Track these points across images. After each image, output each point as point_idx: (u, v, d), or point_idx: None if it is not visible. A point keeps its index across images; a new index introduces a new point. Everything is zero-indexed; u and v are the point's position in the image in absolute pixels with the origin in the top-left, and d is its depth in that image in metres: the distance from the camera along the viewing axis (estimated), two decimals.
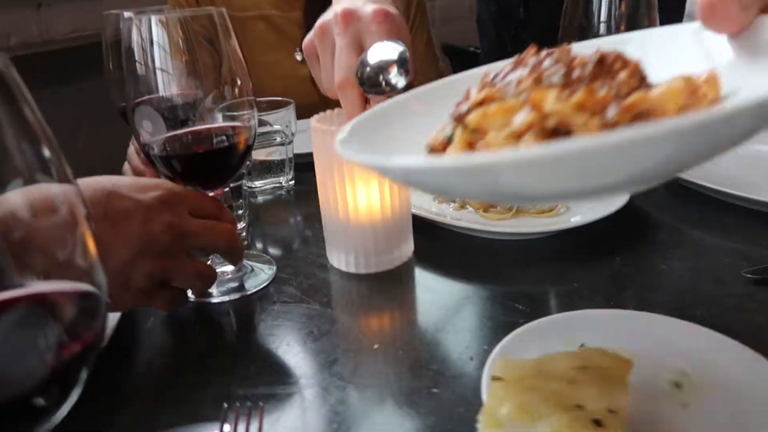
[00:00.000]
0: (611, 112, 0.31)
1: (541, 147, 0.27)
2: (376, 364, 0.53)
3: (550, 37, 1.59)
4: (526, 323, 0.52)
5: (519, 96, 0.35)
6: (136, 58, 0.60)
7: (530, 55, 0.38)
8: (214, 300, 0.66)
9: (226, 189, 0.78)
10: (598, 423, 0.37)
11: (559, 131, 0.31)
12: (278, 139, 0.99)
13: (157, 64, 0.60)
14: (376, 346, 0.55)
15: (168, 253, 0.55)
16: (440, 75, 1.56)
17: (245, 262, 0.73)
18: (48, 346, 0.29)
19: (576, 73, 0.35)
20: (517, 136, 0.32)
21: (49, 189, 0.29)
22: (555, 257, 0.69)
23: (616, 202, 0.73)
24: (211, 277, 0.60)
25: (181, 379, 0.54)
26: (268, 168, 1.00)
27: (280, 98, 1.01)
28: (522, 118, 0.32)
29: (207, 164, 0.65)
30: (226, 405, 0.47)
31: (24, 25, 1.64)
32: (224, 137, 0.66)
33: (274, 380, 0.52)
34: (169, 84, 0.61)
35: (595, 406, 0.38)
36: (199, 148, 0.64)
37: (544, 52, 0.38)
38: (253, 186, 1.00)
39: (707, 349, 0.49)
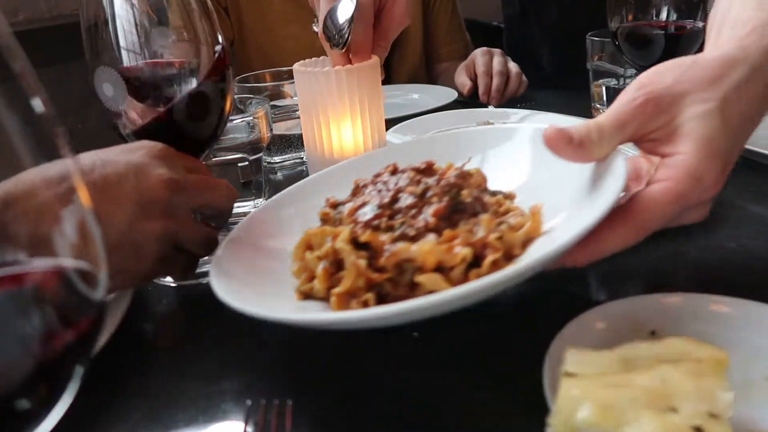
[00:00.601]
0: (384, 256, 0.44)
1: (317, 315, 0.45)
2: (415, 355, 0.47)
3: (570, 6, 1.52)
4: (582, 310, 0.45)
5: (341, 223, 0.50)
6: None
7: (386, 172, 0.54)
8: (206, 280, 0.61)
9: (245, 164, 0.73)
10: (698, 430, 0.30)
11: (340, 265, 0.46)
12: (298, 112, 0.93)
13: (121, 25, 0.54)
14: (415, 334, 0.49)
15: (173, 212, 0.50)
16: (467, 49, 1.48)
17: None
18: (31, 335, 0.23)
19: (399, 202, 0.49)
20: (320, 259, 0.48)
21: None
22: None
23: None
24: (215, 241, 0.56)
25: (196, 372, 0.48)
26: (288, 142, 0.94)
27: None
28: (325, 247, 0.47)
29: (174, 129, 0.59)
30: (249, 402, 0.41)
31: (32, 0, 1.59)
32: (193, 100, 0.58)
33: (300, 372, 0.47)
34: (135, 46, 0.55)
35: (693, 409, 0.31)
36: (165, 112, 0.57)
37: (399, 173, 0.53)
38: (272, 162, 0.93)
39: None
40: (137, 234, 0.48)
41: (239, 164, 0.73)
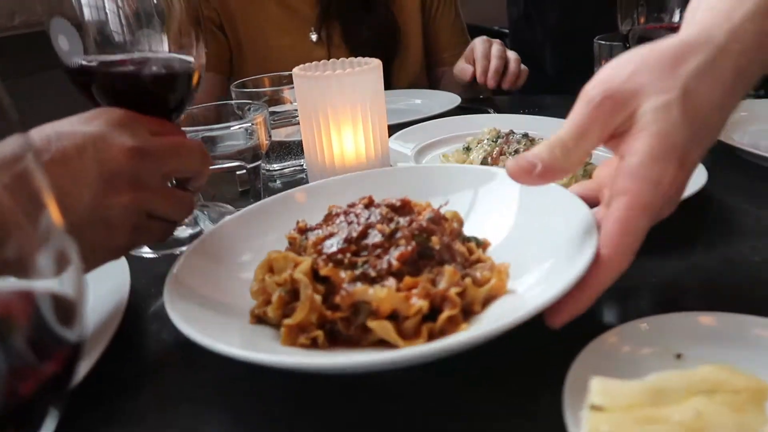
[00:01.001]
0: (340, 294, 0.43)
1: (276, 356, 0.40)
2: (424, 381, 0.44)
3: (573, 10, 1.50)
4: (601, 329, 0.43)
5: (306, 251, 0.49)
6: None
7: (360, 204, 0.52)
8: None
9: (242, 171, 0.70)
10: None
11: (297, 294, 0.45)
12: (298, 118, 0.90)
13: None
14: None
15: (141, 181, 0.48)
16: None
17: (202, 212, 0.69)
18: None
19: (367, 238, 0.47)
20: (278, 285, 0.46)
21: None
22: None
23: (692, 185, 0.63)
24: (191, 204, 0.54)
25: (187, 395, 0.45)
26: (288, 149, 0.91)
27: None
28: (284, 273, 0.46)
29: (138, 87, 0.56)
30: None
31: (28, 3, 1.56)
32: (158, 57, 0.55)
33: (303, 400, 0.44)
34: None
35: None
36: (129, 69, 0.55)
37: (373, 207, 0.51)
38: (271, 169, 0.91)
39: None
40: (105, 208, 0.45)
41: (237, 172, 0.70)
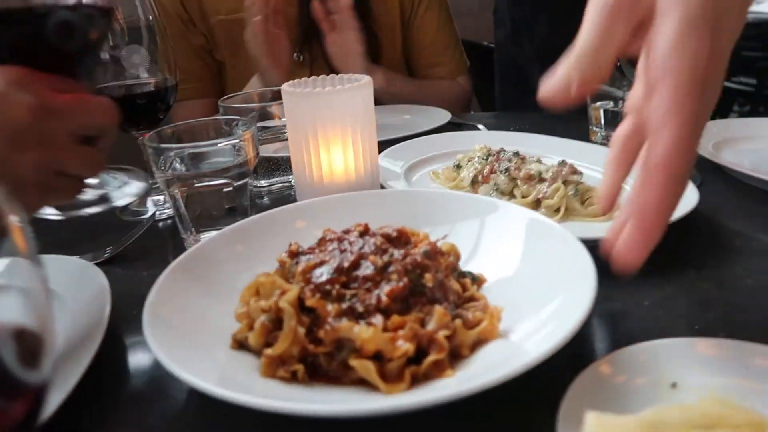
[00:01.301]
0: (324, 329, 0.42)
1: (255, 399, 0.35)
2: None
3: (562, 27, 1.51)
4: (593, 356, 0.42)
5: (294, 277, 0.47)
6: None
7: (355, 230, 0.51)
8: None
9: (229, 189, 0.69)
10: None
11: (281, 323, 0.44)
12: (287, 134, 0.89)
13: None
14: None
15: (46, 138, 0.47)
16: (458, 69, 1.44)
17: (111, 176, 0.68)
18: None
19: (359, 269, 0.45)
20: (263, 311, 0.45)
21: None
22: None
23: (683, 206, 0.62)
24: (101, 161, 0.53)
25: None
26: (276, 165, 0.90)
27: None
28: (270, 300, 0.45)
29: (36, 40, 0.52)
30: None
31: None
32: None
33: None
34: None
35: None
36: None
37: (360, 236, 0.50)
38: (258, 186, 0.89)
39: None
40: (10, 168, 0.45)
41: (224, 189, 0.69)
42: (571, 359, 0.41)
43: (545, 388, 0.38)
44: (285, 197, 0.87)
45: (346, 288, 0.45)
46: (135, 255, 0.71)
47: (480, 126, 1.11)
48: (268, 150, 0.90)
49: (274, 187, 0.90)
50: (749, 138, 0.91)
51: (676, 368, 0.41)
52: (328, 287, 0.44)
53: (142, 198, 0.87)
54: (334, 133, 0.67)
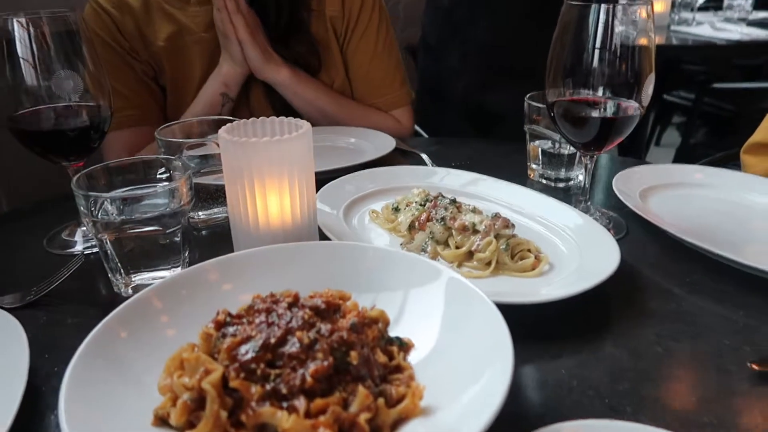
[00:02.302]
0: (246, 413, 0.42)
1: None
2: None
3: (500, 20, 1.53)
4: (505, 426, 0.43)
5: (219, 353, 0.47)
6: None
7: (284, 301, 0.51)
8: None
9: (162, 236, 0.67)
10: None
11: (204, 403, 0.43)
12: None
13: None
14: None
15: None
16: (399, 98, 1.41)
17: None
18: None
19: (285, 346, 0.46)
20: (186, 389, 0.45)
21: None
22: (535, 332, 0.60)
23: (608, 267, 0.65)
24: None
25: None
26: (215, 196, 0.89)
27: (229, 117, 0.90)
28: (194, 378, 0.45)
29: None
30: None
31: None
32: None
33: None
34: None
35: None
36: None
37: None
38: (196, 217, 0.88)
39: None
40: None
41: (156, 236, 0.67)
42: None
43: None
44: (224, 230, 0.86)
45: (272, 366, 0.45)
46: (60, 297, 0.69)
47: (424, 156, 1.12)
48: (209, 179, 0.89)
49: (218, 216, 0.89)
50: (675, 185, 0.95)
51: None
52: (253, 366, 0.44)
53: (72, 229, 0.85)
54: (270, 182, 0.67)
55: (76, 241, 0.83)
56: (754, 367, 0.55)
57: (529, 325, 0.55)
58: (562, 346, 0.59)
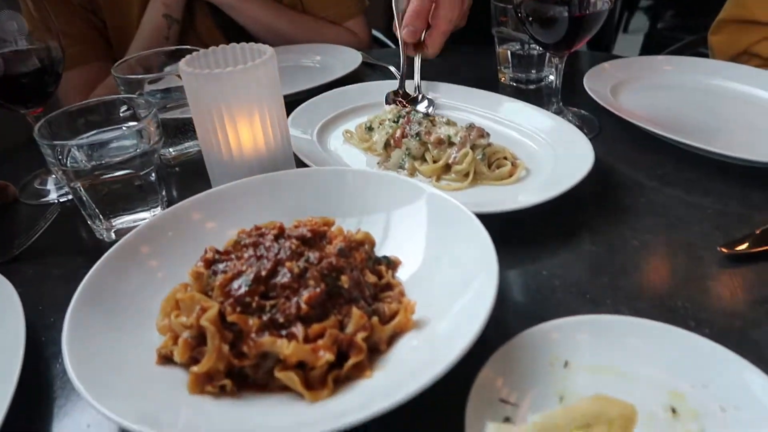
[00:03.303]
0: (248, 344, 0.44)
1: None
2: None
3: None
4: (497, 340, 0.46)
5: (213, 290, 0.48)
6: None
7: (270, 233, 0.51)
8: None
9: (132, 173, 0.66)
10: None
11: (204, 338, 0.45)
12: None
13: None
14: None
15: None
16: (351, 6, 1.34)
17: None
18: None
19: (277, 277, 0.47)
20: (185, 328, 0.46)
21: None
22: (516, 238, 0.62)
23: (582, 168, 0.67)
24: None
25: None
26: (184, 130, 0.87)
27: (187, 47, 0.86)
28: (191, 317, 0.46)
29: None
30: None
31: None
32: None
33: None
34: None
35: None
36: None
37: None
38: (167, 154, 0.86)
39: (697, 361, 0.45)
40: None
41: (131, 177, 0.66)
42: (476, 344, 0.45)
43: (453, 378, 0.42)
44: (198, 165, 0.84)
45: (265, 298, 0.46)
46: (43, 249, 0.69)
47: (392, 68, 1.10)
48: (175, 113, 0.86)
49: (190, 152, 0.87)
50: (644, 78, 0.96)
51: (568, 348, 0.46)
52: (247, 299, 0.46)
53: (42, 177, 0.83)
54: (240, 113, 0.65)
55: (49, 190, 0.81)
56: (723, 250, 0.58)
57: (509, 231, 0.57)
58: (543, 249, 0.61)
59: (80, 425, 0.46)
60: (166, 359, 0.47)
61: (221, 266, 0.50)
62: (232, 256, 0.51)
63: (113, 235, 0.68)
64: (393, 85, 0.96)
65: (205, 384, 0.44)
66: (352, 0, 1.33)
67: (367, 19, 1.37)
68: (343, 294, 0.48)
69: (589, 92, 0.86)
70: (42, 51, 0.77)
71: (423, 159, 0.75)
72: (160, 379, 0.46)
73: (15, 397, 0.45)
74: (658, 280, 0.56)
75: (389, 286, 0.53)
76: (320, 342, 0.44)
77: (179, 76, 0.83)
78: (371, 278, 0.52)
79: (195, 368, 0.44)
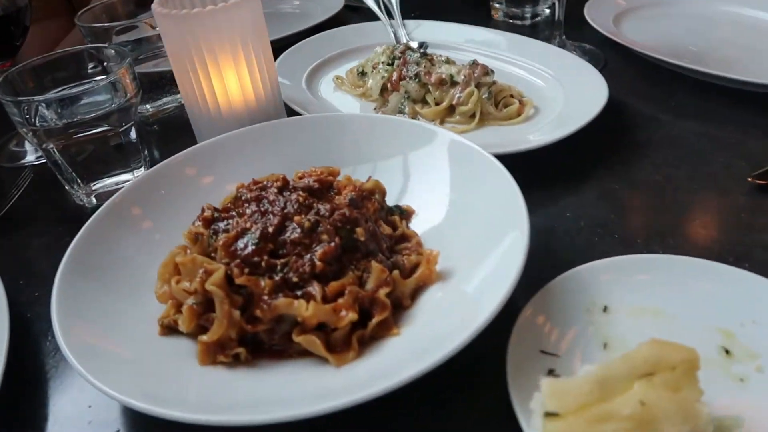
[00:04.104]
0: (260, 308, 0.39)
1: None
2: None
3: None
4: (530, 289, 0.42)
5: (215, 251, 0.43)
6: None
7: (273, 186, 0.46)
8: None
9: (113, 135, 0.60)
10: None
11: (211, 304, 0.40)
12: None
13: None
14: None
15: None
16: None
17: None
18: None
19: (285, 233, 0.42)
20: (188, 293, 0.41)
21: None
22: (531, 179, 0.58)
23: (596, 103, 0.62)
24: None
25: None
26: (161, 83, 0.80)
27: None
28: (195, 281, 0.41)
29: None
30: None
31: None
32: None
33: None
34: None
35: None
36: None
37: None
38: (144, 111, 0.79)
39: (742, 297, 0.42)
40: None
41: (107, 136, 0.60)
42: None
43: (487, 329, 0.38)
44: (179, 122, 0.78)
45: (275, 256, 0.42)
46: (19, 217, 0.63)
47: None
48: (148, 66, 0.79)
49: (166, 107, 0.81)
50: (649, 5, 0.91)
51: (604, 292, 0.43)
52: (256, 259, 0.41)
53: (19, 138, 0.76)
54: (224, 58, 0.59)
55: (26, 151, 0.75)
56: (754, 180, 0.54)
57: (525, 173, 0.53)
58: (563, 190, 0.57)
59: (80, 406, 0.42)
60: (169, 329, 0.43)
61: (222, 225, 0.45)
62: (233, 213, 0.46)
63: (94, 200, 0.63)
64: (379, 26, 0.90)
65: (216, 354, 0.40)
66: None
67: None
68: (360, 248, 0.44)
69: (591, 23, 0.81)
70: (6, 1, 0.70)
71: (424, 101, 0.70)
72: (165, 351, 0.41)
73: (4, 381, 0.41)
74: (688, 216, 0.53)
75: (405, 237, 0.49)
76: (340, 301, 0.40)
77: (152, 26, 0.77)
78: (386, 229, 0.48)
79: (204, 337, 0.40)
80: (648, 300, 0.43)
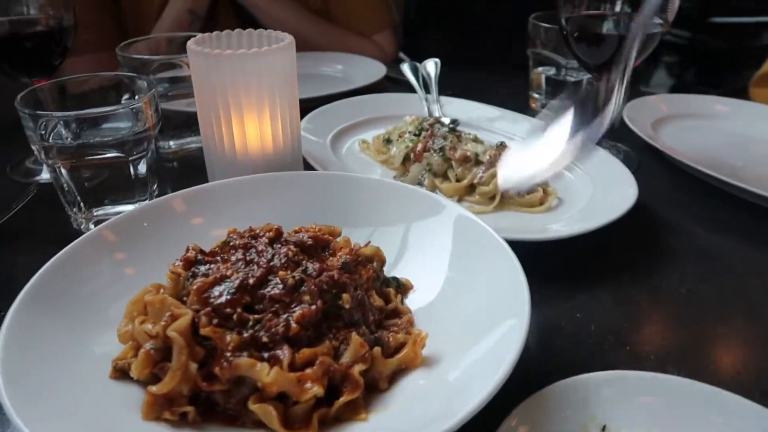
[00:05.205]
0: (220, 365, 0.35)
1: None
2: None
3: None
4: (522, 392, 0.38)
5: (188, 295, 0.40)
6: None
7: (264, 235, 0.44)
8: None
9: (124, 162, 0.59)
10: None
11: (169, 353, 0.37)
12: None
13: None
14: None
15: None
16: (381, 19, 1.30)
17: None
18: None
19: (266, 287, 0.39)
20: (150, 337, 0.38)
21: None
22: (544, 272, 0.54)
23: (624, 202, 0.59)
24: None
25: None
26: (188, 122, 0.80)
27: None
28: (158, 325, 0.37)
29: None
30: None
31: None
32: None
33: None
34: None
35: None
36: None
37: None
38: (166, 147, 0.79)
39: None
40: None
41: (118, 162, 0.59)
42: (504, 394, 0.36)
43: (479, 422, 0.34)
44: (199, 162, 0.78)
45: (250, 311, 0.38)
46: (13, 233, 0.61)
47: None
48: (181, 104, 0.80)
49: (190, 146, 0.80)
50: (690, 116, 0.89)
51: (605, 409, 0.38)
52: (228, 310, 0.38)
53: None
54: (248, 102, 0.59)
55: (40, 169, 0.74)
56: None
57: (536, 263, 0.49)
58: (576, 287, 0.53)
59: None
60: (122, 373, 0.39)
61: (203, 268, 0.42)
62: (218, 258, 0.43)
63: (92, 227, 0.61)
64: (415, 99, 0.90)
65: (162, 409, 0.36)
66: (383, 12, 1.29)
67: (395, 33, 1.32)
68: (343, 316, 0.40)
69: (629, 123, 0.79)
70: (52, 19, 0.72)
71: (445, 176, 0.67)
72: (112, 397, 0.38)
73: None
74: (712, 337, 0.48)
75: (397, 313, 0.45)
76: (308, 371, 0.36)
77: (189, 65, 0.78)
78: (377, 301, 0.44)
79: (153, 388, 0.36)
80: (654, 426, 0.37)
